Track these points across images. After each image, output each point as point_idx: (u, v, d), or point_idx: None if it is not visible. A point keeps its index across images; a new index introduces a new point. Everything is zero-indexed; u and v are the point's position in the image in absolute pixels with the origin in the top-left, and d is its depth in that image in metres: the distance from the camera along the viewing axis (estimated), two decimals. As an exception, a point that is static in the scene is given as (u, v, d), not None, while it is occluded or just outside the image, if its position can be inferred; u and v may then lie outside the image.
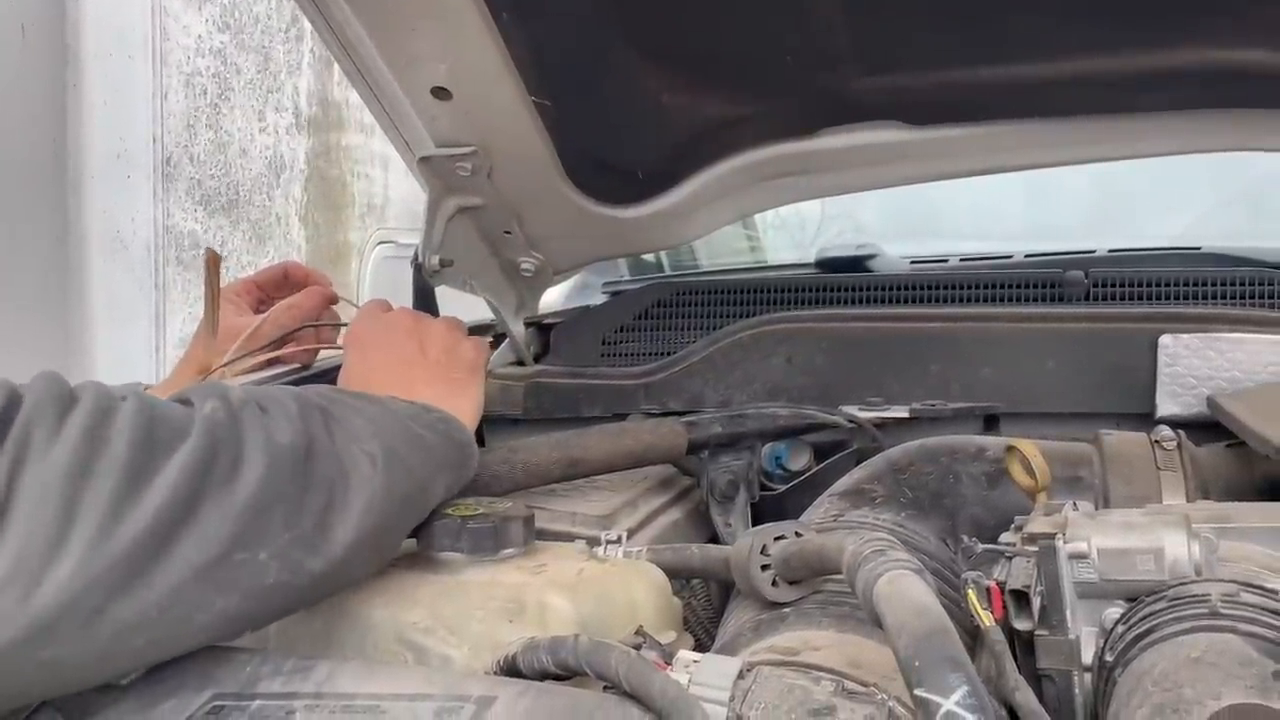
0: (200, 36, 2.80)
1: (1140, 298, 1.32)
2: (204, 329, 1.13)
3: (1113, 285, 1.33)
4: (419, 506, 0.82)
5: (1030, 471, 0.91)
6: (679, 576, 0.94)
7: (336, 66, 1.25)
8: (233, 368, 1.14)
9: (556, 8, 1.10)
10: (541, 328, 1.55)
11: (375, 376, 0.98)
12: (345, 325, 1.27)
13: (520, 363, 1.48)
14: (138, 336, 2.82)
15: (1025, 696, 0.64)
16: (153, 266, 2.69)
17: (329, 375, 1.16)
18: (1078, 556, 0.72)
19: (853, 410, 1.23)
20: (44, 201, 2.33)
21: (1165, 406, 1.17)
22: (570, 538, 0.96)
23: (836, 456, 1.24)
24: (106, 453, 0.59)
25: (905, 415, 1.23)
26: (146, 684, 0.63)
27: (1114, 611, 0.71)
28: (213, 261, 1.12)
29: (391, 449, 0.77)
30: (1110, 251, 1.68)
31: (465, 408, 0.97)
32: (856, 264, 1.75)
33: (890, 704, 0.65)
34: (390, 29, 1.07)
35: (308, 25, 1.29)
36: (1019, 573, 0.75)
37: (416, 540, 0.85)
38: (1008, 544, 0.79)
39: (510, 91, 1.12)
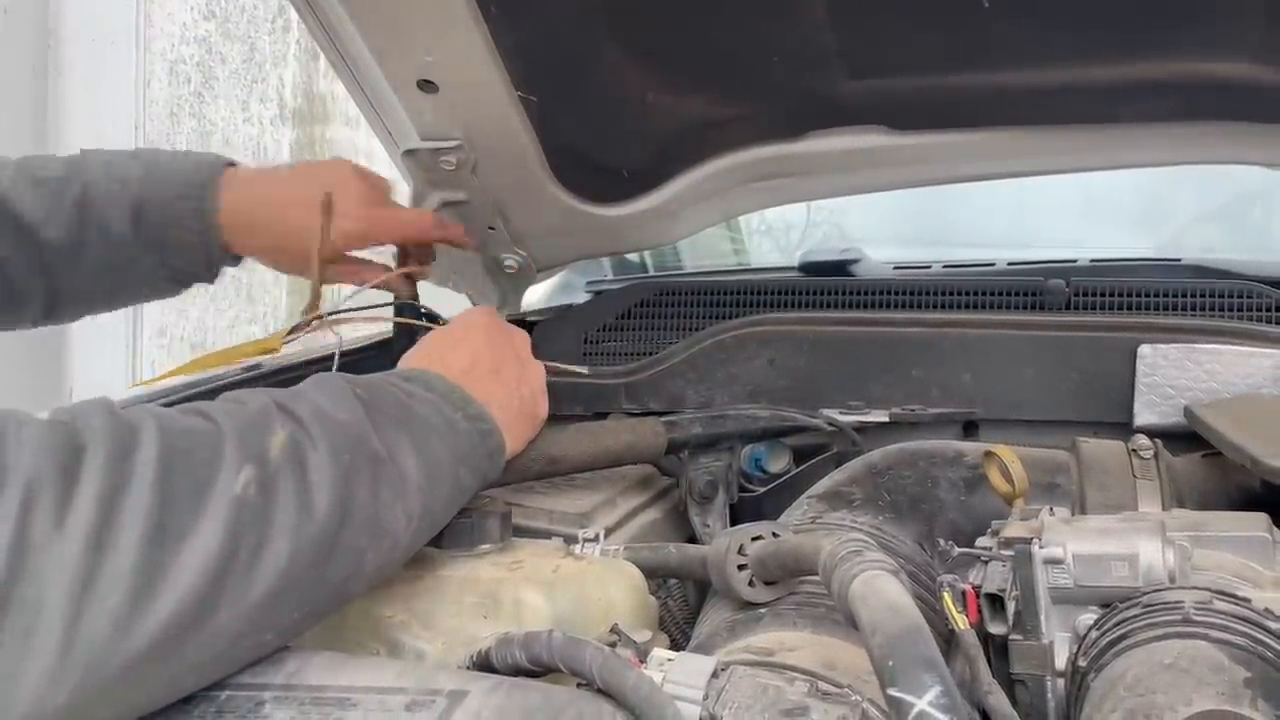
0: (185, 24, 2.78)
1: (1120, 307, 1.32)
2: (315, 277, 1.11)
3: (1093, 294, 1.34)
4: (437, 528, 0.81)
5: (1008, 477, 0.91)
6: (656, 575, 0.93)
7: (322, 58, 1.24)
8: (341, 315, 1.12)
9: (544, 3, 1.10)
10: (524, 325, 1.55)
11: (470, 358, 0.93)
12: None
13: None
14: (114, 326, 2.79)
15: (998, 700, 0.65)
16: (132, 256, 2.67)
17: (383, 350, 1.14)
18: (1053, 562, 0.73)
19: (833, 413, 1.24)
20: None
21: (1143, 416, 1.17)
22: (547, 535, 0.95)
23: (816, 459, 1.24)
24: (116, 547, 0.53)
25: (885, 419, 1.24)
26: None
27: (1088, 617, 0.71)
28: (326, 205, 1.08)
29: (429, 508, 0.74)
30: (1091, 261, 1.69)
31: (512, 446, 0.93)
32: (840, 268, 1.75)
33: (864, 705, 0.65)
34: (376, 21, 1.06)
35: (294, 16, 1.28)
36: (994, 577, 0.75)
37: (392, 534, 0.85)
38: (984, 548, 0.79)
39: (496, 86, 1.11)
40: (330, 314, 1.13)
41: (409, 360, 0.92)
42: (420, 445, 0.75)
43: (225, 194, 1.08)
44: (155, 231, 1.06)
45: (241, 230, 1.09)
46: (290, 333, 1.13)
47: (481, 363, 0.92)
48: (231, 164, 1.12)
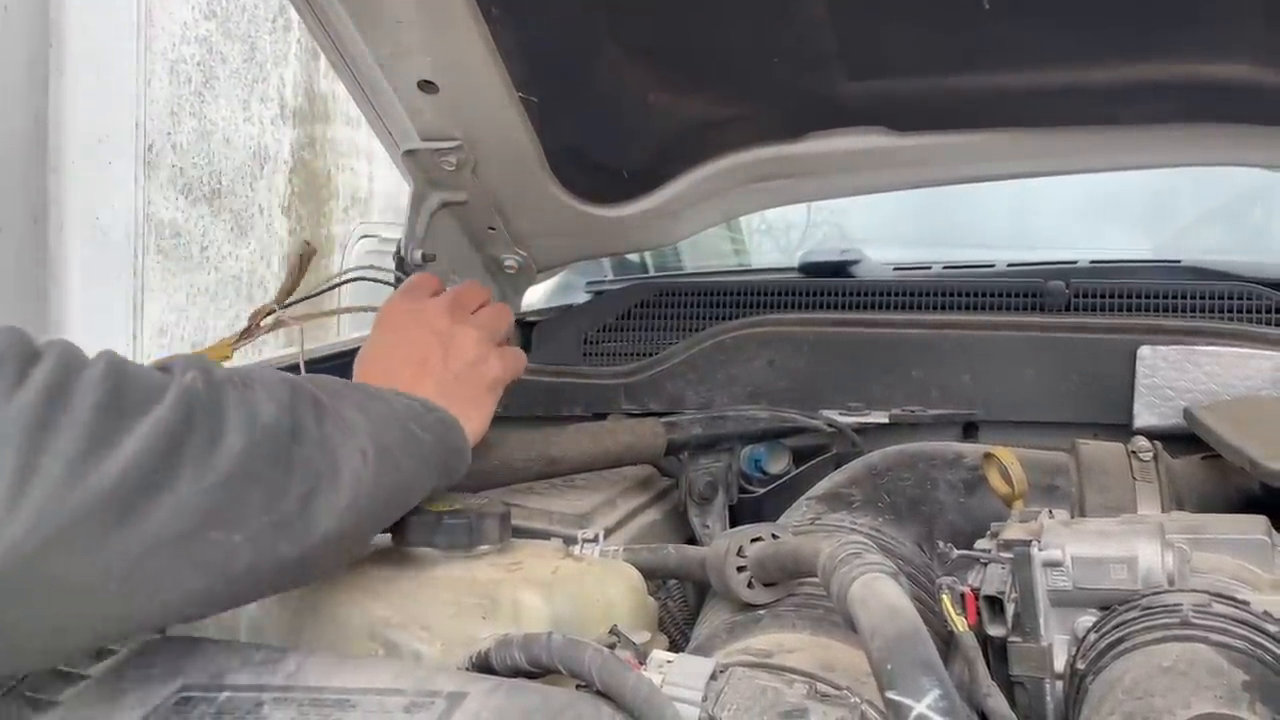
0: (186, 23, 2.78)
1: (1120, 309, 1.32)
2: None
3: (1093, 296, 1.34)
4: (401, 506, 0.81)
5: (1008, 479, 0.91)
6: (655, 577, 0.93)
7: (323, 58, 1.24)
8: (295, 309, 1.10)
9: (545, 3, 1.10)
10: (524, 325, 1.55)
11: (390, 369, 0.95)
12: None
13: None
14: (115, 325, 2.79)
15: (997, 702, 0.65)
16: (132, 255, 2.67)
17: (347, 358, 1.13)
18: (1052, 564, 0.73)
19: (833, 414, 1.24)
20: (23, 186, 2.30)
21: (1142, 417, 1.17)
22: (547, 536, 0.95)
23: (815, 460, 1.24)
24: (69, 409, 0.55)
25: (885, 421, 1.24)
26: (113, 674, 0.62)
27: (1087, 619, 0.71)
28: (307, 258, 1.09)
29: (385, 447, 0.75)
30: (1091, 263, 1.69)
31: (468, 427, 0.92)
32: (840, 269, 1.75)
33: (863, 707, 0.65)
34: (377, 21, 1.06)
35: (295, 15, 1.28)
36: (994, 579, 0.75)
37: (391, 535, 0.85)
38: (983, 550, 0.79)
39: (497, 86, 1.11)
40: (283, 306, 1.10)
41: None
42: (360, 403, 0.76)
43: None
44: None
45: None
46: (240, 338, 1.11)
47: (399, 365, 0.94)
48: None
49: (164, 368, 0.66)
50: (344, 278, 1.20)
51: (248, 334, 1.10)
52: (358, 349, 1.05)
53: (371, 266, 1.24)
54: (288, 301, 1.10)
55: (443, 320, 1.00)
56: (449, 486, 0.89)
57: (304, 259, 1.09)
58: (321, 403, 0.72)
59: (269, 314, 1.09)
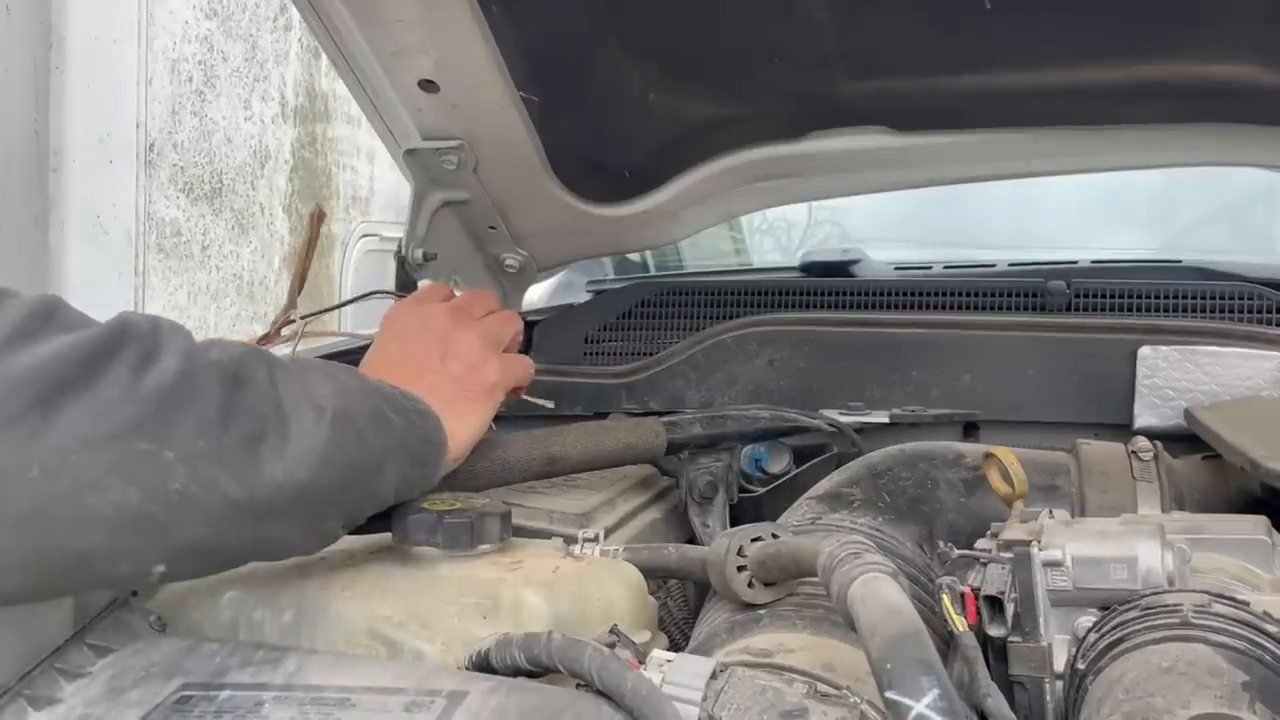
0: (187, 23, 2.78)
1: (1121, 309, 1.32)
2: (293, 286, 1.11)
3: (1094, 296, 1.34)
4: (365, 484, 0.77)
5: (1008, 479, 0.91)
6: (655, 576, 0.93)
7: (324, 57, 1.24)
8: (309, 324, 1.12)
9: (546, 2, 1.10)
10: (525, 325, 1.55)
11: (385, 367, 0.94)
12: None
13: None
14: (116, 323, 2.78)
15: (997, 702, 0.65)
16: (133, 253, 2.67)
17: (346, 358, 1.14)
18: (1052, 564, 0.73)
19: (833, 414, 1.24)
20: (24, 185, 2.30)
21: (1143, 417, 1.17)
22: (547, 535, 0.95)
23: (816, 460, 1.24)
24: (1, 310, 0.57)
25: (885, 420, 1.24)
26: (114, 672, 0.62)
27: (1087, 619, 0.71)
28: (318, 218, 1.11)
29: (345, 411, 0.73)
30: (1092, 263, 1.69)
31: (460, 427, 0.91)
32: (841, 269, 1.75)
33: (862, 707, 0.65)
34: (378, 20, 1.06)
35: (296, 15, 1.28)
36: (994, 579, 0.75)
37: (392, 534, 0.85)
38: (983, 550, 0.79)
39: (498, 85, 1.11)
40: (306, 316, 1.12)
41: None
42: (329, 377, 0.76)
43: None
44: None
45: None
46: (261, 340, 1.12)
47: (396, 363, 0.94)
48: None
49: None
50: (358, 295, 1.21)
51: (268, 339, 1.12)
52: (358, 348, 1.05)
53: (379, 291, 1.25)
54: (308, 315, 1.13)
55: (444, 323, 1.00)
56: (425, 486, 0.87)
57: (315, 220, 1.11)
58: (277, 362, 0.71)
59: (290, 323, 1.11)
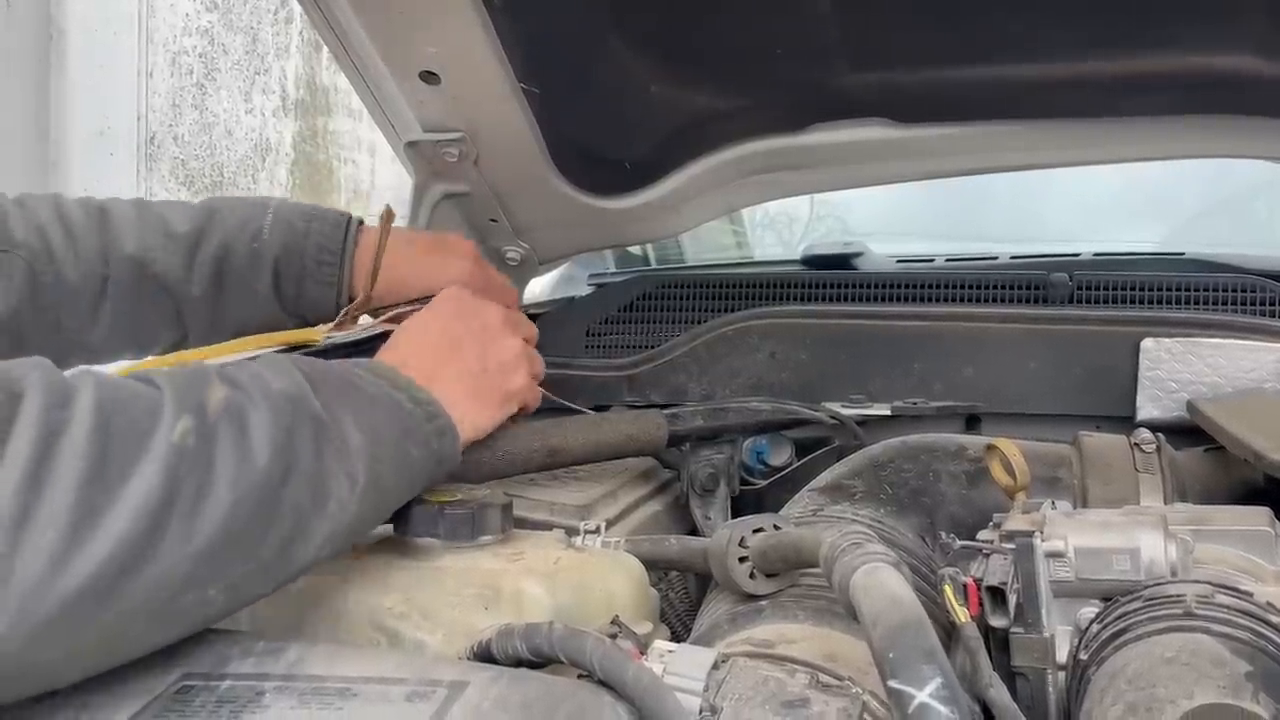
0: (188, 15, 2.78)
1: (1123, 301, 1.32)
2: (367, 282, 1.13)
3: (1096, 288, 1.34)
4: (374, 524, 0.80)
5: (1010, 471, 0.91)
6: (657, 568, 0.93)
7: (325, 50, 1.24)
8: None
9: (548, -6, 1.10)
10: (526, 318, 1.54)
11: (426, 340, 0.95)
12: None
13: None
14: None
15: (999, 693, 0.64)
16: (134, 247, 2.67)
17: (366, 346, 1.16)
18: (1055, 555, 0.73)
19: (835, 406, 1.23)
20: (24, 177, 2.30)
21: (1145, 410, 1.17)
22: (548, 527, 0.95)
23: (818, 452, 1.24)
24: (54, 481, 0.53)
25: (887, 413, 1.24)
26: (115, 663, 0.62)
27: (1089, 610, 0.71)
28: (388, 218, 1.14)
29: (376, 476, 0.74)
30: (1095, 255, 1.69)
31: (472, 422, 0.93)
32: (842, 261, 1.75)
33: (864, 697, 0.65)
34: (379, 11, 1.06)
35: (297, 8, 1.28)
36: (996, 570, 0.75)
37: (393, 525, 0.85)
38: (986, 541, 0.79)
39: (499, 77, 1.11)
40: (378, 310, 1.14)
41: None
42: (361, 414, 0.75)
43: (360, 257, 1.13)
44: (292, 287, 1.11)
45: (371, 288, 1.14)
46: (335, 327, 1.14)
47: (435, 340, 0.95)
48: (361, 222, 1.16)
49: (147, 378, 0.64)
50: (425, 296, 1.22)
51: (339, 325, 1.13)
52: (380, 334, 1.08)
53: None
54: (378, 309, 1.16)
55: (496, 322, 1.02)
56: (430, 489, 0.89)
57: (385, 220, 1.15)
58: (323, 423, 0.71)
59: (359, 313, 1.14)
